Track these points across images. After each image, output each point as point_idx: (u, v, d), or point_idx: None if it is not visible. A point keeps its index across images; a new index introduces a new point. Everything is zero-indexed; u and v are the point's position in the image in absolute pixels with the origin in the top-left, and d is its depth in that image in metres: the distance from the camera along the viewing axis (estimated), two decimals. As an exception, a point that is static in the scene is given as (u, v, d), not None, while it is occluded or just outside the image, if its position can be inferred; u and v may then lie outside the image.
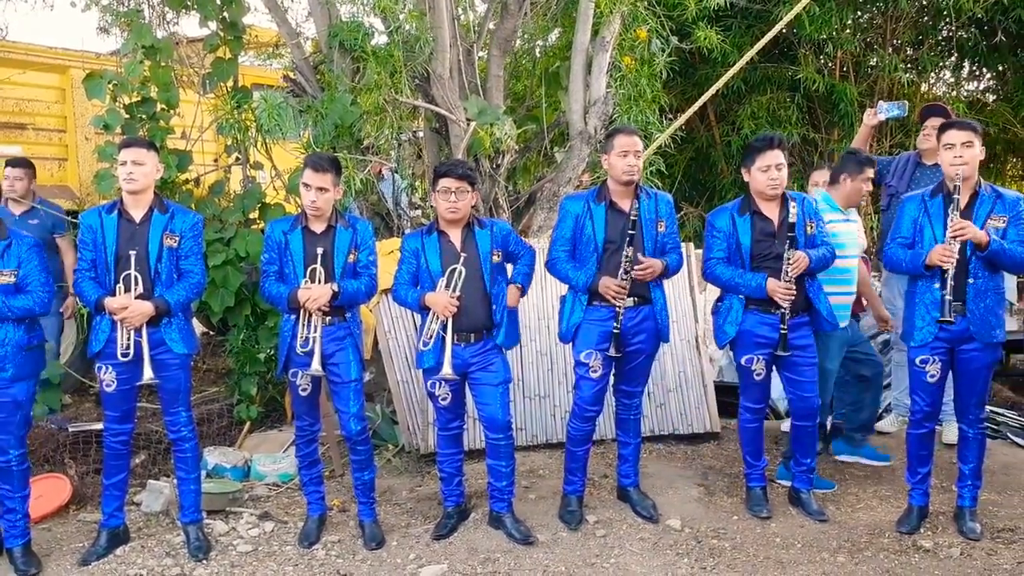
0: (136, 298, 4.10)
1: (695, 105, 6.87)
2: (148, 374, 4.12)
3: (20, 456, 4.14)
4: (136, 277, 4.12)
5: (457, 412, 4.55)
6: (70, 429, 5.46)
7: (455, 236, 4.39)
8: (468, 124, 6.20)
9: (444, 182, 4.33)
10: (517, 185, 7.53)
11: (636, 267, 4.38)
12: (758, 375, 4.62)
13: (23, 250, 4.07)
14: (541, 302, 5.94)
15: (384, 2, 5.98)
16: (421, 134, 7.37)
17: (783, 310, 4.45)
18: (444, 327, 4.29)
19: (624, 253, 4.38)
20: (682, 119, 6.88)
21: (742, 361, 4.62)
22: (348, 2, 6.73)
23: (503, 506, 4.52)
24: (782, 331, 4.48)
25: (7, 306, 3.97)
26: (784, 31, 7.92)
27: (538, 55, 8.17)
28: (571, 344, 4.62)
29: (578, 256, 4.55)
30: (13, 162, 6.18)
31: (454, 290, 4.28)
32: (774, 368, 4.67)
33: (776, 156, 4.49)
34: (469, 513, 4.71)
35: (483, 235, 4.41)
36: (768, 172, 4.47)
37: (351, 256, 4.37)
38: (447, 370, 4.26)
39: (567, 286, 4.61)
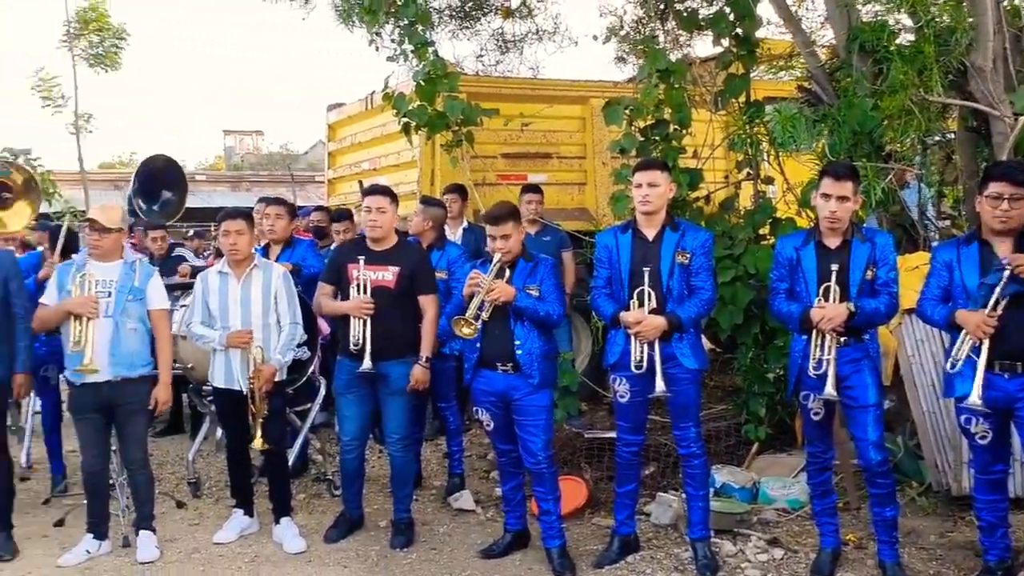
0: (649, 313, 4.36)
1: None
2: (660, 387, 4.33)
3: (548, 459, 4.61)
4: (649, 293, 4.38)
5: (999, 454, 4.06)
6: (586, 435, 5.99)
7: (1003, 247, 3.91)
8: (1016, 119, 5.55)
9: (997, 186, 3.90)
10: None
11: None
12: None
13: (546, 271, 4.61)
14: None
15: (914, -5, 5.64)
16: (952, 135, 6.77)
17: None
18: (976, 350, 3.87)
19: None
20: None
21: None
22: (871, 1, 6.46)
23: (1063, 569, 3.93)
24: None
25: (535, 306, 4.49)
26: None
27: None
28: None
29: None
30: (528, 188, 7.02)
31: (993, 308, 3.84)
32: None
33: None
34: (1018, 571, 4.17)
35: None
36: None
37: (868, 272, 4.16)
38: (974, 399, 3.83)
39: None
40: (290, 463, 5.59)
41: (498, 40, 10.52)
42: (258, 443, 4.91)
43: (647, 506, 5.26)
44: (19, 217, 6.50)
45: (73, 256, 5.13)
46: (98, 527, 4.98)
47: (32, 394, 6.35)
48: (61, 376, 5.67)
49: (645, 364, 4.35)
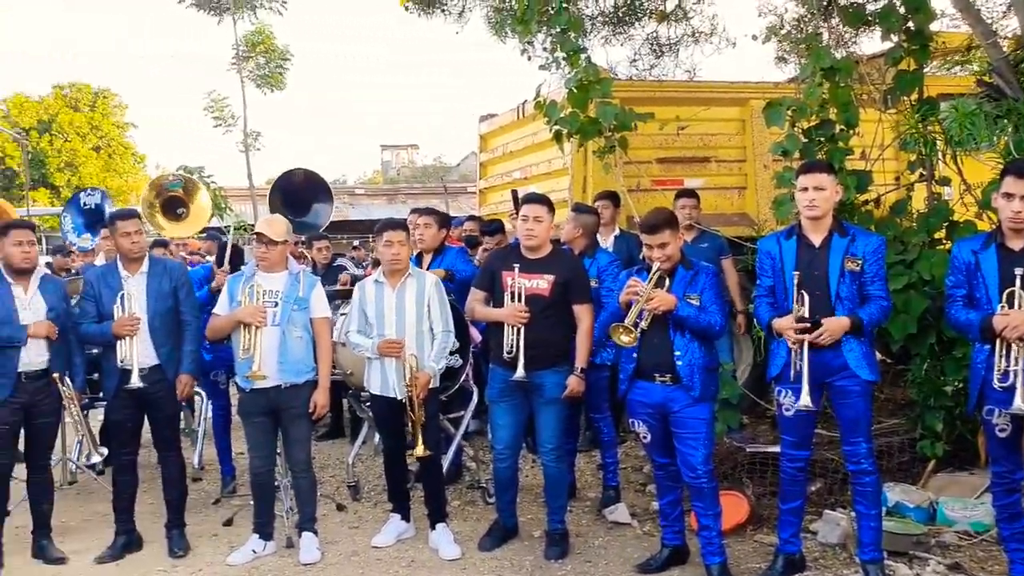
0: (798, 320, 4.18)
1: None
2: (804, 400, 4.17)
3: (708, 473, 4.48)
4: (802, 295, 4.21)
5: None
6: (747, 449, 5.82)
7: None
8: None
9: None
10: None
11: None
12: None
13: (707, 279, 4.51)
14: None
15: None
16: None
17: None
18: None
19: None
20: None
21: None
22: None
23: None
24: None
25: (696, 316, 4.38)
26: None
27: None
28: None
29: None
30: (682, 193, 6.90)
31: None
32: None
33: None
34: None
35: None
36: None
37: (1060, 276, 3.87)
38: None
39: None
40: (444, 470, 5.69)
41: (652, 44, 10.42)
42: (420, 450, 5.00)
43: (813, 524, 5.06)
44: (199, 220, 6.92)
45: (242, 268, 5.39)
46: (264, 527, 5.21)
47: (205, 398, 6.77)
48: (231, 381, 6.00)
49: (800, 372, 4.19)
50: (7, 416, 4.94)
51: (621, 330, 4.35)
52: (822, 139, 6.06)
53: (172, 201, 6.68)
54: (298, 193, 7.39)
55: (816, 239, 4.32)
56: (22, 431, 5.10)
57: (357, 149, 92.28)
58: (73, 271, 7.94)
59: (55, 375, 5.04)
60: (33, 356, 4.99)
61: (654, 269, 4.44)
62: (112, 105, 34.44)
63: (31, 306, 5.02)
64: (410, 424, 5.04)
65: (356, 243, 11.32)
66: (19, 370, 4.93)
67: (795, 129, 6.16)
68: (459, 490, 6.20)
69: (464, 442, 6.30)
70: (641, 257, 4.75)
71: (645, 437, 4.65)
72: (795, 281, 4.24)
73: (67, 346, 5.15)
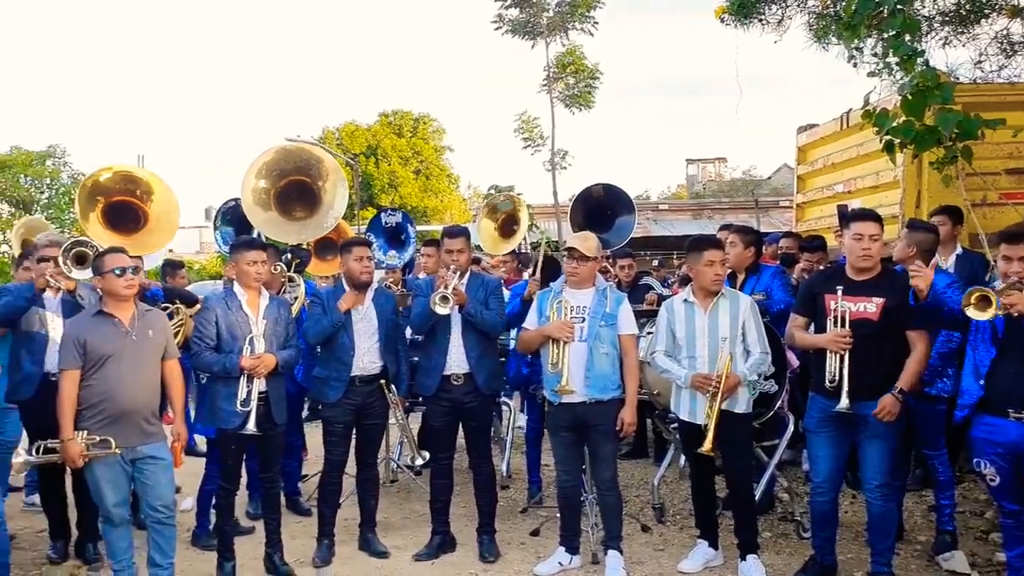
0: None
1: None
2: None
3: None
4: None
5: None
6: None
7: None
8: None
9: None
10: None
11: None
12: None
13: None
14: None
15: None
16: None
17: None
18: None
19: None
20: None
21: None
22: None
23: None
24: None
25: None
26: None
27: None
28: None
29: None
30: None
31: None
32: None
33: None
34: None
35: None
36: None
37: None
38: None
39: None
40: (756, 499, 5.51)
41: (1002, 43, 9.48)
42: (707, 446, 4.84)
43: None
44: (520, 235, 7.32)
45: (551, 284, 5.55)
46: (570, 541, 5.31)
47: (512, 409, 7.09)
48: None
49: None
50: (342, 416, 5.45)
51: (977, 294, 3.92)
52: None
53: (507, 220, 7.12)
54: (599, 208, 7.50)
55: None
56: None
57: (661, 164, 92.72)
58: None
59: (382, 383, 5.49)
60: (367, 363, 5.46)
61: (1010, 280, 4.03)
62: (431, 130, 37.14)
63: (365, 316, 5.50)
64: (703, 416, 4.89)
65: (656, 262, 11.21)
66: (353, 374, 5.42)
67: None
68: (771, 521, 5.97)
69: (777, 472, 6.07)
70: (987, 278, 4.34)
71: (992, 480, 4.21)
72: None
73: (395, 355, 5.59)
